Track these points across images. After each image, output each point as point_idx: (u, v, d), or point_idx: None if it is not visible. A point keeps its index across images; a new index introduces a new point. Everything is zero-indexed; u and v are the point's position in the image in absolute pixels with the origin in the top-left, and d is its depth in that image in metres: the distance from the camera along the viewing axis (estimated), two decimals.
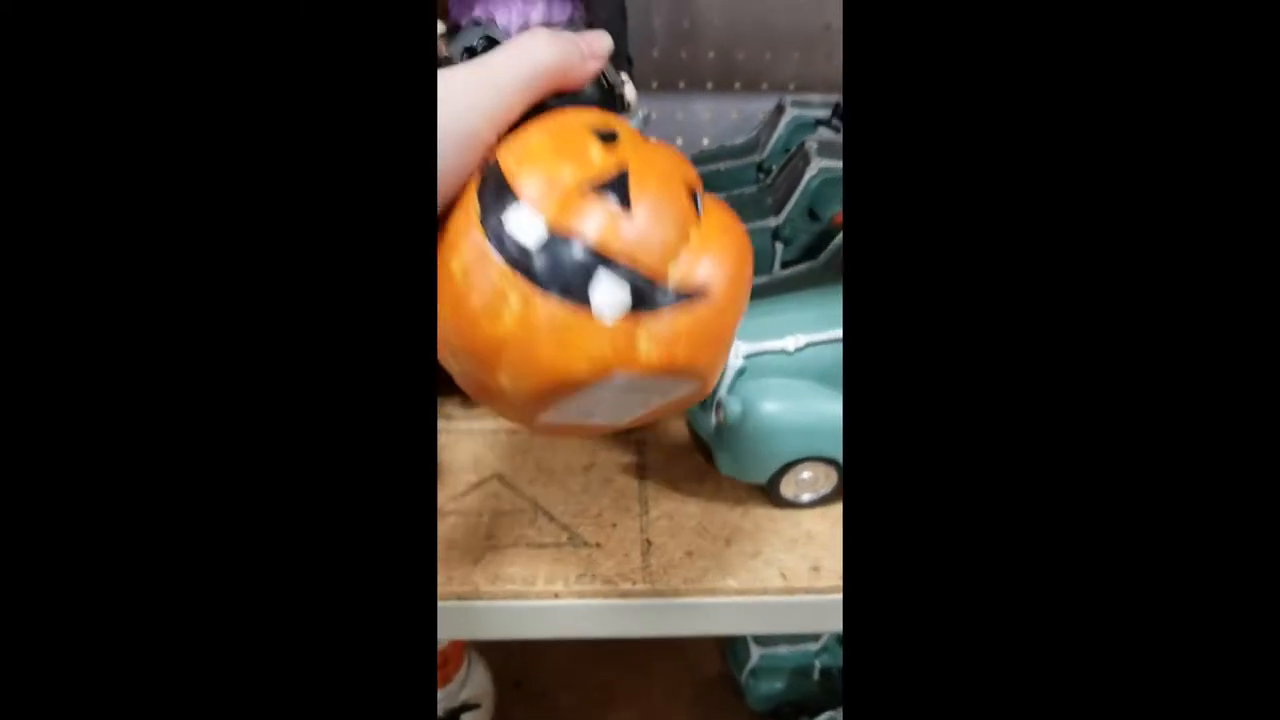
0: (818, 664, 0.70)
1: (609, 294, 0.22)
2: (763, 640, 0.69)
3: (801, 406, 0.38)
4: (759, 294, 0.45)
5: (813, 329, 0.39)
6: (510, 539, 0.38)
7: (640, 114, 0.30)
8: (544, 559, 0.37)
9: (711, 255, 0.24)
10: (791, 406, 0.38)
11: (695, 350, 0.23)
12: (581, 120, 0.24)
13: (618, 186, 0.23)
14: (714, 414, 0.40)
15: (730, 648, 0.72)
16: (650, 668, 0.72)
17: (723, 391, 0.40)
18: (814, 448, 0.39)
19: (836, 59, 0.74)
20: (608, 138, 0.24)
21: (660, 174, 0.24)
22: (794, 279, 0.45)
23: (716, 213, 0.25)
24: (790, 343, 0.39)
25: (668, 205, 0.23)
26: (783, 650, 0.69)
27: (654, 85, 0.74)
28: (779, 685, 0.69)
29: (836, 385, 0.39)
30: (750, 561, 0.37)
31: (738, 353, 0.39)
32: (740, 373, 0.39)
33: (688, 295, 0.23)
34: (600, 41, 0.26)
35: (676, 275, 0.23)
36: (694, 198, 0.24)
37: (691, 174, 0.25)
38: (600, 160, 0.23)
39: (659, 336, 0.23)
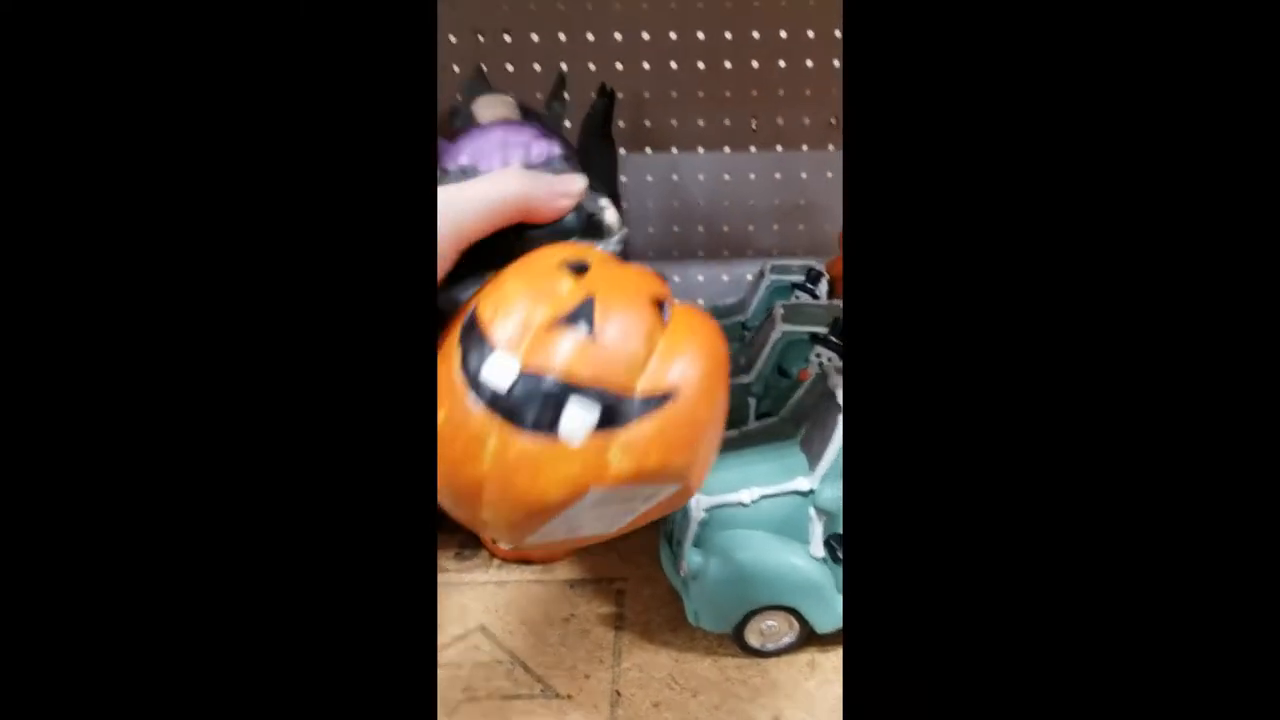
0: None
1: (577, 418, 0.24)
2: None
3: (759, 557, 0.41)
4: (725, 447, 0.48)
5: (768, 482, 0.42)
6: (486, 690, 0.40)
7: (621, 232, 0.30)
8: (515, 711, 0.39)
9: (680, 356, 0.25)
10: (749, 558, 0.41)
11: (667, 453, 0.24)
12: (555, 258, 0.26)
13: (584, 313, 0.24)
14: (679, 566, 0.43)
15: None
16: None
17: (687, 544, 0.43)
18: (773, 597, 0.41)
19: (811, 228, 0.82)
20: (579, 269, 0.26)
21: (626, 293, 0.25)
22: (757, 433, 0.49)
23: (685, 317, 0.26)
24: (746, 495, 0.42)
25: (633, 320, 0.25)
26: None
27: (650, 255, 0.82)
28: None
29: (792, 536, 0.42)
30: (714, 713, 0.38)
31: (700, 505, 0.43)
32: (703, 524, 0.42)
33: (656, 400, 0.24)
34: (573, 184, 0.29)
35: (644, 385, 0.24)
36: (661, 306, 0.26)
37: (658, 286, 0.27)
38: (569, 294, 0.25)
39: (629, 446, 0.24)
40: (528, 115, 0.34)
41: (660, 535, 0.47)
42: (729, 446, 0.48)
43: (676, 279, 0.83)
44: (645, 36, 0.71)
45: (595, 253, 0.28)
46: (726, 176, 0.79)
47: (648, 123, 0.76)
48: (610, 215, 0.30)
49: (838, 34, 0.73)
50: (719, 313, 0.75)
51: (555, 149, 0.34)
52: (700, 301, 0.83)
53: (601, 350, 0.24)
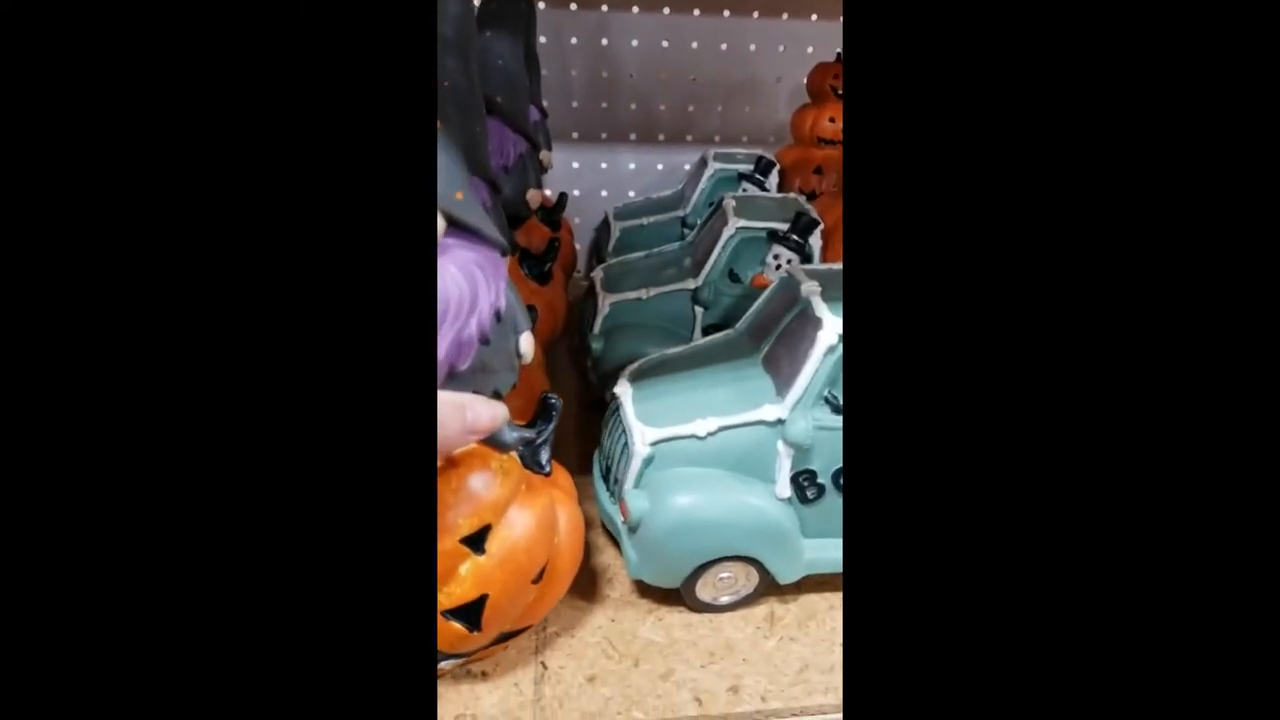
0: None
1: (448, 664, 0.31)
2: None
3: (717, 499, 0.34)
4: (673, 367, 0.41)
5: (727, 410, 0.35)
6: None
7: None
8: None
9: (543, 604, 0.32)
10: (705, 500, 0.34)
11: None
12: (456, 533, 0.28)
13: (475, 611, 0.29)
14: (619, 510, 0.36)
15: None
16: None
17: (628, 484, 0.35)
18: (731, 545, 0.34)
19: (759, 111, 0.72)
20: (477, 541, 0.29)
21: (514, 584, 0.29)
22: (710, 350, 0.41)
23: (554, 581, 0.32)
24: (701, 427, 0.35)
25: (513, 612, 0.30)
26: None
27: (575, 136, 0.71)
28: None
29: (754, 473, 0.35)
30: (660, 685, 0.32)
31: (644, 439, 0.35)
32: (648, 462, 0.35)
33: (510, 634, 0.31)
34: (486, 418, 0.27)
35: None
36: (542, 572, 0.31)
37: (547, 545, 0.30)
38: (463, 585, 0.28)
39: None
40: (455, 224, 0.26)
41: (594, 470, 0.40)
42: (676, 366, 0.40)
43: (604, 165, 0.72)
44: None
45: (500, 486, 0.29)
46: (665, 44, 0.67)
47: None
48: (525, 343, 0.29)
49: None
50: (654, 207, 0.65)
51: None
52: (632, 193, 0.73)
53: (482, 643, 0.30)
